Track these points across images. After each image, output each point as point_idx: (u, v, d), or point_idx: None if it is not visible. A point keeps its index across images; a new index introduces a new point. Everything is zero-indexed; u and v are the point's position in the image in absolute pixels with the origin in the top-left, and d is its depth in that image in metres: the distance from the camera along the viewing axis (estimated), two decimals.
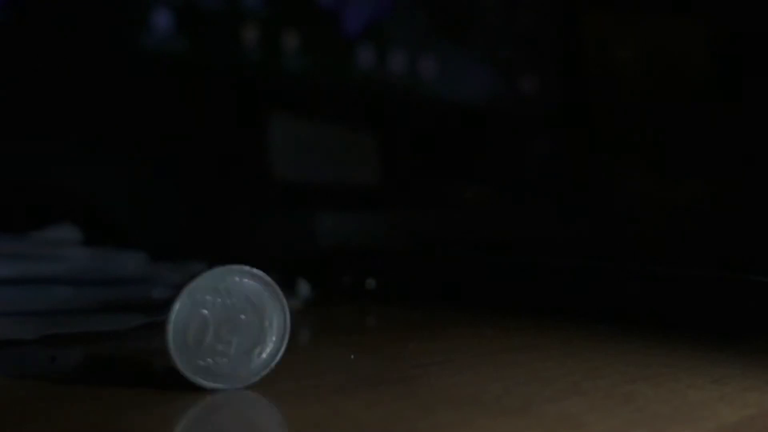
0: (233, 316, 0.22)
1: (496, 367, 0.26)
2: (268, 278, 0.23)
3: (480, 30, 0.72)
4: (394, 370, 0.26)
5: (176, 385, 0.23)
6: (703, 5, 0.71)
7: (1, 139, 0.49)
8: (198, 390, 0.22)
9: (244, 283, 0.23)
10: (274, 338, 0.23)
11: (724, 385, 0.24)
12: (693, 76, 0.72)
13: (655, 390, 0.23)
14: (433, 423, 0.20)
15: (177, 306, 0.22)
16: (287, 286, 0.40)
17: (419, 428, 0.19)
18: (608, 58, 0.74)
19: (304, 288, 0.40)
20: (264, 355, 0.23)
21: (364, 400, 0.22)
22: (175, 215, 0.55)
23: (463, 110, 0.71)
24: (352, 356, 0.28)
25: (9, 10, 0.49)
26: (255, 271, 0.23)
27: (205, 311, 0.22)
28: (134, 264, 0.39)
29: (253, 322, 0.23)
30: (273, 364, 0.23)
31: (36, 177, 0.51)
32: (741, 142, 0.68)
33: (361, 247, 0.48)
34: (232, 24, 0.57)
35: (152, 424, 0.20)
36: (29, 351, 0.27)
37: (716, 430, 0.20)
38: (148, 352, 0.28)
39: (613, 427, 0.20)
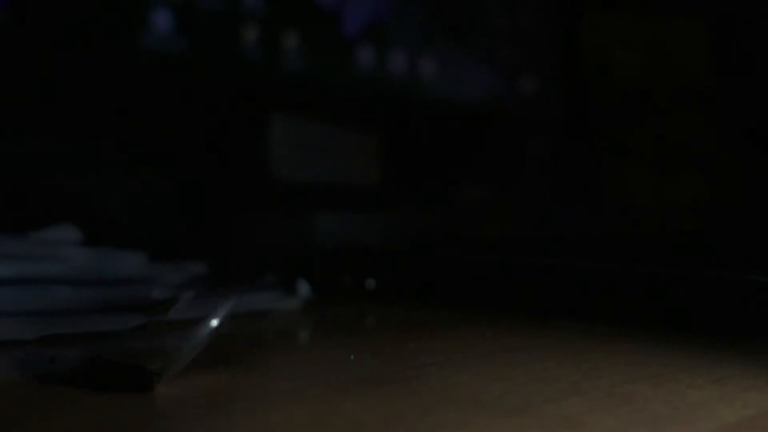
0: None
1: (496, 367, 0.26)
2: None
3: (480, 30, 0.72)
4: (394, 370, 0.26)
5: (175, 385, 0.23)
6: (703, 5, 0.71)
7: (1, 139, 0.49)
8: (197, 390, 0.22)
9: None
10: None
11: (723, 385, 0.24)
12: (693, 75, 0.72)
13: (655, 390, 0.23)
14: (433, 423, 0.20)
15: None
16: (287, 286, 0.40)
17: (419, 428, 0.19)
18: (608, 57, 0.74)
19: (304, 288, 0.40)
20: None
21: (364, 400, 0.22)
22: (175, 215, 0.55)
23: (463, 110, 0.71)
24: (352, 356, 0.28)
25: (9, 10, 0.49)
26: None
27: None
28: (134, 264, 0.39)
29: None
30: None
31: (36, 177, 0.51)
32: (741, 142, 0.68)
33: (361, 247, 0.48)
34: (232, 24, 0.57)
35: (152, 423, 0.20)
36: (29, 351, 0.27)
37: (716, 430, 0.20)
38: (148, 352, 0.28)
39: (613, 427, 0.20)
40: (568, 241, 0.54)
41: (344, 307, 0.41)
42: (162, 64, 0.55)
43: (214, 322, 0.24)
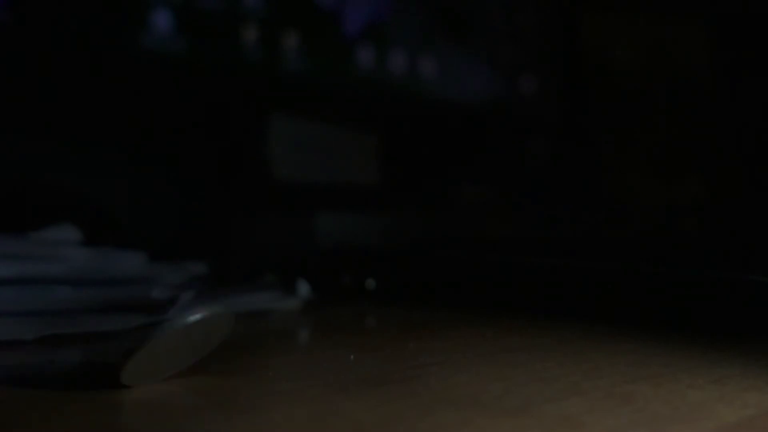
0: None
1: (496, 367, 0.26)
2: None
3: (480, 30, 0.72)
4: (394, 370, 0.26)
5: (175, 385, 0.23)
6: (703, 5, 0.71)
7: (1, 139, 0.49)
8: (196, 390, 0.22)
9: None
10: None
11: (723, 385, 0.24)
12: (692, 75, 0.72)
13: (654, 390, 0.23)
14: (433, 423, 0.20)
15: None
16: (287, 286, 0.40)
17: (419, 428, 0.19)
18: (608, 57, 0.74)
19: (304, 288, 0.40)
20: None
21: (364, 400, 0.22)
22: (175, 215, 0.56)
23: (463, 110, 0.71)
24: (352, 356, 0.28)
25: (9, 10, 0.49)
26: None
27: None
28: (134, 264, 0.39)
29: None
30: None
31: (36, 177, 0.51)
32: (741, 143, 0.68)
33: (361, 247, 0.48)
34: (232, 24, 0.57)
35: (152, 423, 0.20)
36: (29, 351, 0.27)
37: (716, 430, 0.20)
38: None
39: (613, 427, 0.20)
40: (568, 241, 0.54)
41: (344, 307, 0.41)
42: (162, 64, 0.55)
43: (183, 321, 0.23)
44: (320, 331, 0.36)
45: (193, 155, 0.56)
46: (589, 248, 0.47)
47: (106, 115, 0.53)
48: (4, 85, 0.49)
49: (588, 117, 0.75)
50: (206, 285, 0.39)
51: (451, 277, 0.42)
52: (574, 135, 0.75)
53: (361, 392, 0.23)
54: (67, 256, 0.36)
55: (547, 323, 0.35)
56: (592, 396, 0.22)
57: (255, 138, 0.59)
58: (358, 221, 0.52)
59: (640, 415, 0.21)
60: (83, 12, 0.51)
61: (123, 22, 0.53)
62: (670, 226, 0.67)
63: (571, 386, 0.23)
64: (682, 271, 0.36)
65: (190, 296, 0.34)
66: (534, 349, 0.30)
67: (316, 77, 0.62)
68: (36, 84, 0.50)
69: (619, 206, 0.71)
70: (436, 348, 0.30)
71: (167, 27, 0.54)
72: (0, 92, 0.49)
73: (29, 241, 0.37)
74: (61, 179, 0.51)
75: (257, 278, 0.42)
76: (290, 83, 0.61)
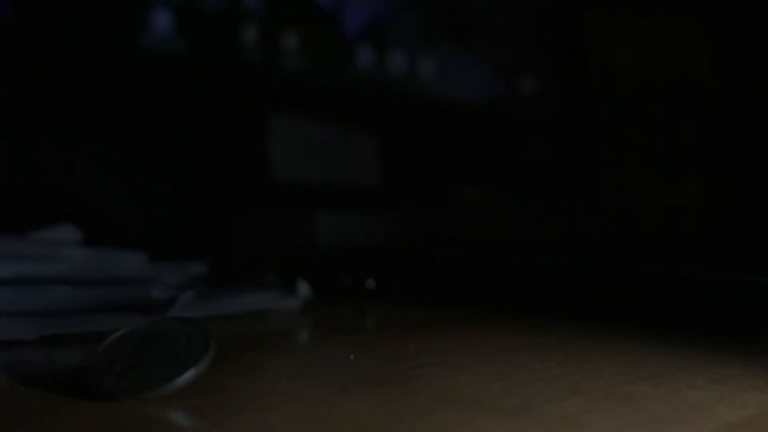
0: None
1: (496, 367, 0.26)
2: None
3: (480, 30, 0.72)
4: (394, 370, 0.26)
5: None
6: (703, 5, 0.71)
7: (1, 139, 0.49)
8: (196, 390, 0.22)
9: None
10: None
11: (723, 385, 0.24)
12: (693, 76, 0.72)
13: (654, 390, 0.23)
14: (433, 423, 0.20)
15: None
16: (287, 286, 0.40)
17: (419, 428, 0.19)
18: (608, 58, 0.74)
19: (304, 288, 0.40)
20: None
21: (364, 400, 0.22)
22: (175, 215, 0.55)
23: (462, 110, 0.71)
24: (352, 356, 0.28)
25: (9, 10, 0.49)
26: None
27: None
28: (134, 264, 0.39)
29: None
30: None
31: (36, 177, 0.51)
32: (741, 143, 0.68)
33: (361, 247, 0.48)
34: (232, 24, 0.57)
35: (152, 424, 0.20)
36: (29, 351, 0.27)
37: (716, 430, 0.20)
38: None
39: (613, 427, 0.20)
40: (568, 241, 0.54)
41: (344, 307, 0.41)
42: (162, 64, 0.55)
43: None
44: (320, 331, 0.36)
45: (193, 155, 0.56)
46: (589, 248, 0.47)
47: (107, 115, 0.53)
48: (5, 85, 0.49)
49: (588, 117, 0.75)
50: (206, 285, 0.39)
51: (451, 277, 0.42)
52: (574, 135, 0.75)
53: (361, 392, 0.23)
54: (67, 256, 0.36)
55: (547, 323, 0.35)
56: (592, 396, 0.22)
57: (255, 138, 0.58)
58: (358, 221, 0.52)
59: (640, 415, 0.21)
60: (83, 12, 0.51)
61: (123, 22, 0.53)
62: (670, 226, 0.67)
63: (571, 386, 0.23)
64: (682, 271, 0.36)
65: (190, 296, 0.34)
66: (534, 349, 0.30)
67: (316, 77, 0.62)
68: (36, 84, 0.50)
69: (619, 206, 0.71)
70: (436, 348, 0.30)
71: (167, 27, 0.54)
72: (0, 92, 0.49)
73: (29, 241, 0.37)
74: (61, 179, 0.51)
75: (257, 278, 0.42)
76: (290, 83, 0.61)
